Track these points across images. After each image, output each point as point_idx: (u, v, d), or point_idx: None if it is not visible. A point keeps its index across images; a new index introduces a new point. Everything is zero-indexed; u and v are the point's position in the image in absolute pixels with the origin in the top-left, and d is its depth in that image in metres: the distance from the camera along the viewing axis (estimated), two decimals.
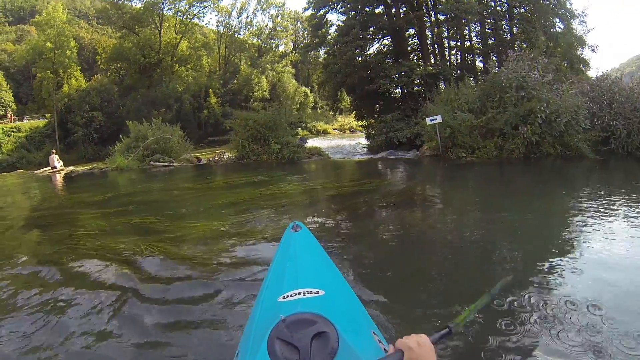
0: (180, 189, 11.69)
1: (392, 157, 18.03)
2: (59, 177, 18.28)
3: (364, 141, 25.81)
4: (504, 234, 5.69)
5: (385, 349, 1.54)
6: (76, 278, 4.51)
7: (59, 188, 15.15)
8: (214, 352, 3.02)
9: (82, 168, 20.74)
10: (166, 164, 17.95)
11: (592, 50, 21.99)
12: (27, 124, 40.47)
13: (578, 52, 21.69)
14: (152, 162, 18.15)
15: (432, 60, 23.49)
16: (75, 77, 43.50)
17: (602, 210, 6.40)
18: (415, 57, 23.99)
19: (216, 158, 18.89)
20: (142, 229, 6.79)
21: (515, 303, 3.30)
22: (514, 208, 7.21)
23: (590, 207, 6.74)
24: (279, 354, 1.29)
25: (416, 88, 22.75)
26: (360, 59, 24.00)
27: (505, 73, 14.25)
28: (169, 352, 3.02)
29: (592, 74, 20.35)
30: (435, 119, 14.38)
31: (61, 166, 21.16)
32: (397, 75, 21.84)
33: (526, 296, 3.41)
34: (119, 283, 4.24)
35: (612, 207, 6.62)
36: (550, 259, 4.38)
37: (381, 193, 9.30)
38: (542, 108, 13.01)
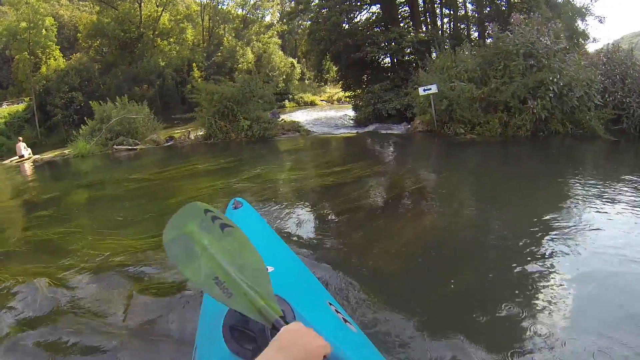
0: (131, 180, 9.40)
1: (381, 131, 15.67)
2: (28, 167, 15.90)
3: (351, 113, 23.24)
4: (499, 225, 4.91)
5: (344, 319, 1.53)
6: None
7: (17, 182, 12.79)
8: (170, 352, 2.73)
9: (47, 156, 18.36)
10: (130, 147, 15.66)
11: (599, 20, 19.26)
12: (6, 109, 37.69)
13: (579, 24, 19.14)
14: (115, 146, 15.87)
15: (424, 29, 20.95)
16: (54, 57, 40.53)
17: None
18: (406, 26, 21.31)
19: (182, 138, 16.45)
20: (50, 247, 5.07)
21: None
22: (523, 200, 5.79)
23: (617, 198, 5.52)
24: (236, 343, 1.21)
25: (407, 57, 20.26)
26: (347, 26, 21.43)
27: (512, 38, 11.82)
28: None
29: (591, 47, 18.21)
30: (430, 89, 12.04)
31: (29, 154, 18.80)
32: (385, 43, 19.36)
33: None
34: None
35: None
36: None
37: (365, 187, 6.91)
38: (554, 80, 10.73)
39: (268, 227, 2.31)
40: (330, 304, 1.61)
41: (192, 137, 16.05)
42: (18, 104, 38.92)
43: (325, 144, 13.82)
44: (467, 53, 13.22)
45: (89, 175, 11.56)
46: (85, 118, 18.65)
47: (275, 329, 1.05)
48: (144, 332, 2.97)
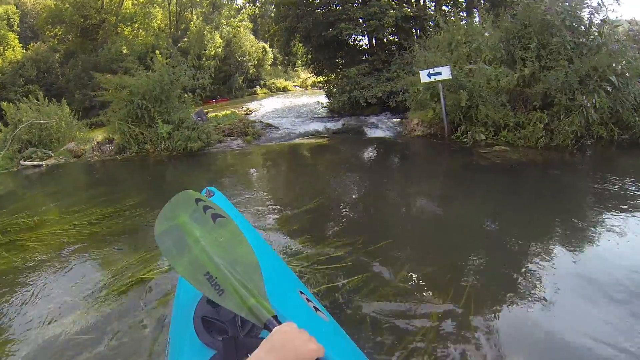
0: None
1: (364, 130, 11.07)
2: None
3: (324, 99, 18.80)
4: None
5: (315, 307, 1.44)
6: None
7: None
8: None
9: None
10: (35, 163, 10.93)
11: None
12: None
13: None
14: (21, 162, 11.15)
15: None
16: (12, 47, 34.91)
17: None
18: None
19: (93, 151, 11.09)
20: None
21: None
22: None
23: None
24: (207, 333, 1.12)
25: (389, 37, 15.67)
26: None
27: (552, 1, 7.35)
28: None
29: None
30: (439, 74, 7.42)
31: None
32: (363, 19, 14.71)
33: None
34: None
35: None
36: None
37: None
38: (617, 67, 6.57)
39: (240, 216, 2.09)
40: (302, 293, 1.51)
41: (108, 149, 10.81)
42: None
43: (278, 159, 8.88)
44: (484, 24, 8.51)
45: None
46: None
47: (267, 329, 0.92)
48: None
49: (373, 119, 12.59)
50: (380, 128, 10.55)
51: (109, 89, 10.60)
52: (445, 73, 7.33)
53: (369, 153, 8.09)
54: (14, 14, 39.40)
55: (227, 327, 1.12)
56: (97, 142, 10.67)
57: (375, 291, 2.91)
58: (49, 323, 2.99)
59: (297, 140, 10.36)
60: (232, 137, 10.75)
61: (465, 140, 7.51)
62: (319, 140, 9.97)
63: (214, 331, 1.13)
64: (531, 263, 3.17)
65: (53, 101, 13.17)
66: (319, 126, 12.36)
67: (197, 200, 1.20)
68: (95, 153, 10.30)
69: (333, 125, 12.21)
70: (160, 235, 1.14)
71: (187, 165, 8.69)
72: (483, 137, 7.27)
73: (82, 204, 6.15)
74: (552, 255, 3.29)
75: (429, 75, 7.55)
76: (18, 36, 36.47)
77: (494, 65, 7.31)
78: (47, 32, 36.39)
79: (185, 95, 10.25)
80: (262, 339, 0.87)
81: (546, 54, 7.15)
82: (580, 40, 7.01)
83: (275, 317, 0.95)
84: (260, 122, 14.52)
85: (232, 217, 1.65)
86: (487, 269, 3.21)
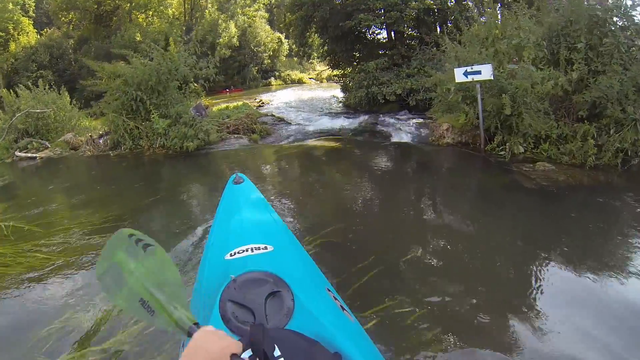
0: None
1: (383, 130, 9.74)
2: None
3: (339, 94, 17.57)
4: None
5: (341, 306, 1.41)
6: None
7: None
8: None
9: None
10: (29, 155, 9.98)
11: None
12: None
13: None
14: (16, 153, 10.21)
15: None
16: (26, 32, 34.14)
17: None
18: None
19: (87, 145, 9.73)
20: None
21: None
22: None
23: None
24: (232, 318, 1.14)
25: (409, 30, 14.42)
26: None
27: None
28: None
29: None
30: (478, 73, 6.07)
31: None
32: (383, 10, 13.48)
33: None
34: None
35: None
36: None
37: None
38: None
39: (268, 205, 1.96)
40: (329, 290, 1.46)
41: (102, 142, 9.58)
42: None
43: (287, 167, 7.59)
44: (525, 17, 7.11)
45: None
46: None
47: (190, 336, 0.91)
48: None
49: (392, 118, 11.46)
50: (402, 130, 9.31)
51: (102, 78, 9.46)
52: (485, 72, 5.97)
53: (392, 163, 7.06)
54: None
55: (254, 314, 1.11)
56: (91, 136, 9.53)
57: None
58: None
59: (310, 142, 8.98)
60: (237, 135, 9.30)
61: (502, 153, 6.33)
62: (333, 144, 8.65)
63: (240, 316, 1.12)
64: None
65: (53, 89, 12.21)
66: (334, 123, 11.26)
67: (130, 235, 1.19)
68: (88, 147, 9.21)
69: (349, 123, 11.09)
70: (101, 276, 1.17)
71: (182, 167, 7.68)
72: (522, 149, 6.13)
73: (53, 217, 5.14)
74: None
75: (466, 74, 6.17)
76: (33, 22, 35.90)
77: (539, 67, 6.10)
78: (62, 19, 35.56)
79: (191, 85, 9.09)
80: (289, 330, 1.06)
81: (595, 56, 5.97)
82: (636, 42, 5.83)
83: (196, 324, 0.95)
84: (272, 115, 13.46)
85: (260, 204, 1.85)
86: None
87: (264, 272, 1.22)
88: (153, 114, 8.39)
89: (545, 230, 3.90)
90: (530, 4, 7.48)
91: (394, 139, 8.40)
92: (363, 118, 12.16)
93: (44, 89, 11.87)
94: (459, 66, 6.44)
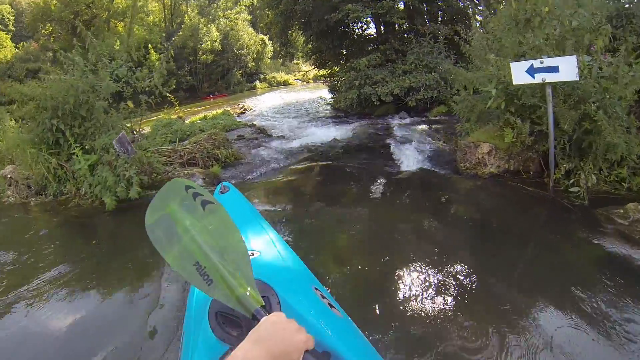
0: None
1: (392, 157, 6.20)
2: None
3: (327, 95, 15.37)
4: None
5: (329, 304, 1.33)
6: None
7: None
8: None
9: None
10: None
11: None
12: None
13: None
14: None
15: None
16: (4, 46, 31.57)
17: None
18: None
19: (7, 188, 6.62)
20: None
21: None
22: None
23: None
24: (221, 329, 1.06)
25: (401, 22, 12.08)
26: None
27: None
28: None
29: None
30: (554, 70, 3.47)
31: None
32: (372, 1, 11.16)
33: None
34: None
35: None
36: None
37: None
38: None
39: (255, 211, 1.95)
40: (317, 289, 1.38)
41: (24, 187, 6.50)
42: None
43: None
44: None
45: None
46: None
47: (255, 320, 0.87)
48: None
49: (393, 124, 9.25)
50: (412, 145, 6.64)
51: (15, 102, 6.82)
52: (567, 70, 3.51)
53: (413, 218, 4.03)
54: (9, 13, 36.66)
55: (242, 323, 1.03)
56: (10, 177, 6.89)
57: None
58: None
59: (290, 176, 5.81)
60: (196, 167, 6.16)
61: (576, 190, 3.88)
62: (321, 176, 5.77)
63: (228, 326, 1.05)
64: None
65: None
66: (323, 134, 8.96)
67: (187, 187, 1.10)
68: (8, 192, 6.61)
69: (341, 134, 8.76)
70: (151, 226, 1.06)
71: (106, 233, 4.73)
72: (594, 179, 3.89)
73: None
74: None
75: (532, 71, 3.70)
76: (13, 36, 33.39)
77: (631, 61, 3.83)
78: (43, 31, 32.93)
79: (129, 104, 6.59)
80: None
81: None
82: None
83: (263, 306, 0.89)
84: (252, 125, 11.14)
85: (246, 212, 1.84)
86: None
87: None
88: (74, 148, 5.64)
89: None
90: None
91: (409, 167, 5.62)
92: (356, 124, 9.90)
93: None
94: (523, 59, 4.02)
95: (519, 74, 3.74)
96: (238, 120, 12.58)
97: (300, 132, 9.75)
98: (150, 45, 27.52)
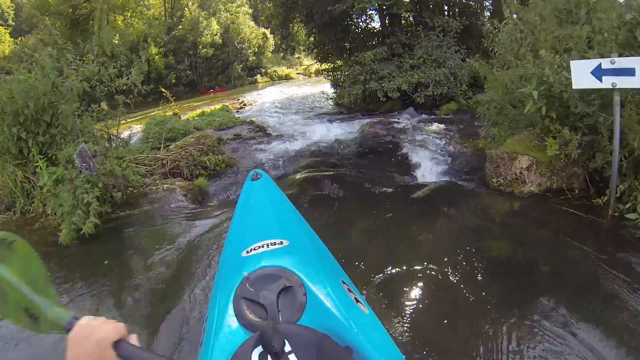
0: None
1: (408, 165, 5.44)
2: None
3: (329, 89, 14.45)
4: None
5: (356, 298, 1.29)
6: None
7: None
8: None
9: None
10: None
11: None
12: None
13: None
14: None
15: None
16: (2, 41, 30.88)
17: None
18: None
19: None
20: None
21: None
22: None
23: None
24: (246, 315, 1.04)
25: (407, 14, 11.17)
26: None
27: None
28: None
29: None
30: (629, 73, 2.62)
31: None
32: None
33: None
34: None
35: None
36: None
37: None
38: None
39: (286, 199, 1.88)
40: (344, 282, 1.35)
41: None
42: None
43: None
44: None
45: None
46: None
47: (69, 331, 0.79)
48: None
49: (401, 122, 8.46)
50: (427, 149, 5.84)
51: None
52: None
53: (439, 249, 3.21)
54: (8, 7, 36.04)
55: (267, 310, 1.02)
56: None
57: None
58: None
59: (289, 188, 4.85)
60: (172, 180, 5.30)
61: (634, 217, 3.05)
62: (326, 190, 4.83)
63: (253, 313, 1.03)
64: None
65: None
66: (327, 133, 8.22)
67: None
68: None
69: (347, 132, 8.01)
70: None
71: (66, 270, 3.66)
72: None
73: None
74: None
75: (598, 73, 2.89)
76: (13, 30, 32.65)
77: None
78: (42, 26, 32.10)
79: (102, 105, 5.77)
80: (301, 325, 0.96)
81: None
82: None
83: (73, 316, 0.82)
84: (250, 122, 10.34)
85: (277, 200, 1.76)
86: None
87: (277, 267, 1.14)
88: (38, 160, 4.74)
89: None
90: None
91: (423, 174, 4.87)
92: (362, 122, 9.09)
93: None
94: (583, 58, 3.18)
95: (581, 75, 2.91)
96: (236, 116, 11.82)
97: (301, 130, 8.98)
98: (150, 39, 26.66)
